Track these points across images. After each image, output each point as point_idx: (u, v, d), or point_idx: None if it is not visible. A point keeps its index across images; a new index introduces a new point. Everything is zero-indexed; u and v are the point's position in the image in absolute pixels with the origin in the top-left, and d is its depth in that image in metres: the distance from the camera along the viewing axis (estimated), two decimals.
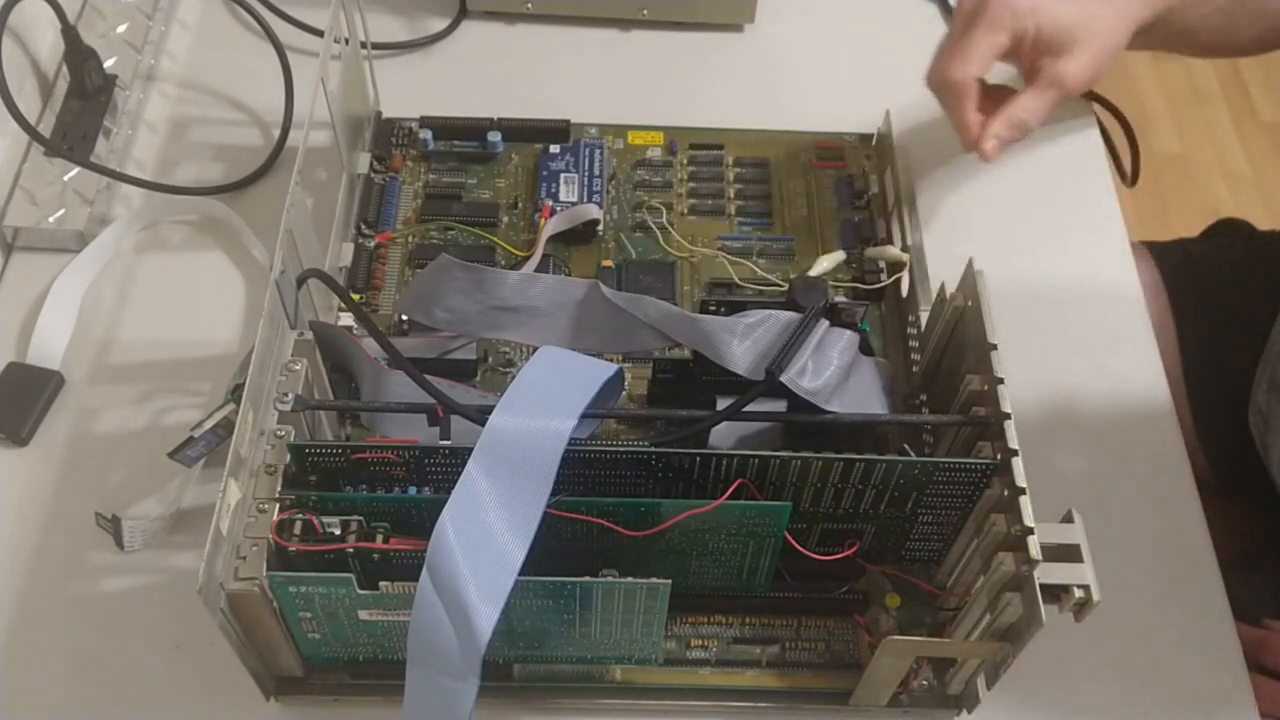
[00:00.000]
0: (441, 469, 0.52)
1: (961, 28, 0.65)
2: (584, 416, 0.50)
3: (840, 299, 0.59)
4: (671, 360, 0.62)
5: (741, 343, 0.54)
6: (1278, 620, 0.70)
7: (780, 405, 0.55)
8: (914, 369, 0.64)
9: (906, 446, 0.57)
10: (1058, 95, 0.65)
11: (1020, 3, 0.62)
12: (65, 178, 0.72)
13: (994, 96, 0.66)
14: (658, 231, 0.72)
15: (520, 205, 0.74)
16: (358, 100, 0.73)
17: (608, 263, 0.72)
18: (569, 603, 0.49)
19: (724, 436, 0.57)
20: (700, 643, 0.58)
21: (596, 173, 0.74)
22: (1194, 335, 0.84)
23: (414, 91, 0.78)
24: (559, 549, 0.51)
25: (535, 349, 0.54)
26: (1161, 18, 0.68)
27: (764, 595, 0.58)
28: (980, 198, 0.77)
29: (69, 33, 0.73)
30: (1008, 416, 0.51)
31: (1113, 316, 0.73)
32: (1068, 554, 0.49)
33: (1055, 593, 0.48)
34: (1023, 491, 0.49)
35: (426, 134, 0.75)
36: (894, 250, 0.69)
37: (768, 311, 0.56)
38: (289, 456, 0.52)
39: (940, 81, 0.66)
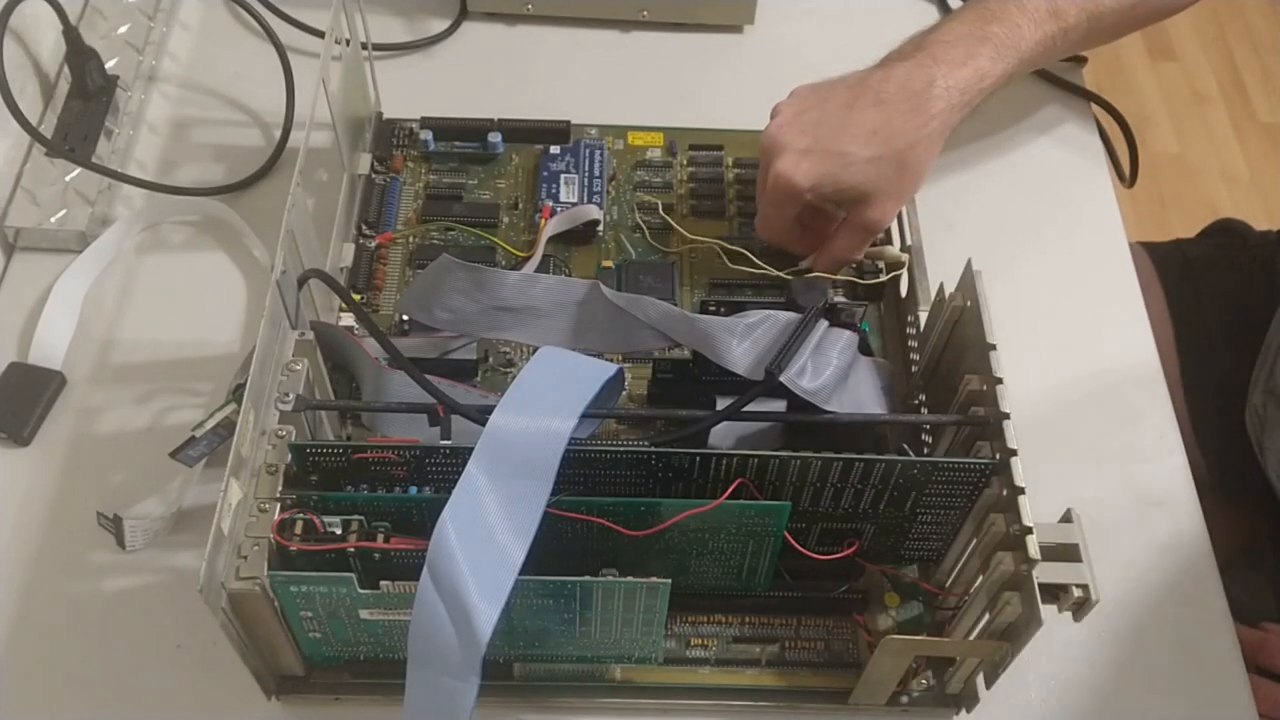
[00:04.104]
0: (442, 469, 0.52)
1: (759, 192, 0.67)
2: (584, 416, 0.50)
3: (839, 299, 0.60)
4: (671, 360, 0.62)
5: (741, 343, 0.55)
6: (1276, 623, 0.70)
7: (780, 405, 0.56)
8: (913, 369, 0.64)
9: (905, 446, 0.57)
10: (868, 235, 0.67)
11: (798, 183, 0.63)
12: (67, 178, 0.72)
13: (818, 220, 0.68)
14: (647, 230, 0.72)
15: (520, 206, 0.74)
16: (358, 101, 0.73)
17: (608, 263, 0.72)
18: (569, 602, 0.49)
19: (724, 436, 0.57)
20: (700, 642, 0.59)
21: (596, 173, 0.74)
22: (1191, 335, 0.84)
23: (415, 92, 0.78)
24: (559, 549, 0.51)
25: (535, 349, 0.54)
26: (992, 87, 0.67)
27: (764, 595, 0.58)
28: (979, 198, 0.77)
29: (70, 33, 0.73)
30: (1006, 416, 0.52)
31: (1111, 316, 0.73)
32: (1066, 553, 0.49)
33: (1054, 592, 0.49)
34: (1021, 491, 0.50)
35: (427, 135, 0.75)
36: (893, 250, 0.69)
37: (767, 312, 0.56)
38: (290, 456, 0.52)
39: (764, 238, 0.69)
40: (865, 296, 0.69)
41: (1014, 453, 0.51)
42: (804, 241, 0.68)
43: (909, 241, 0.69)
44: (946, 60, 0.65)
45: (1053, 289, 0.74)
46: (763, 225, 0.68)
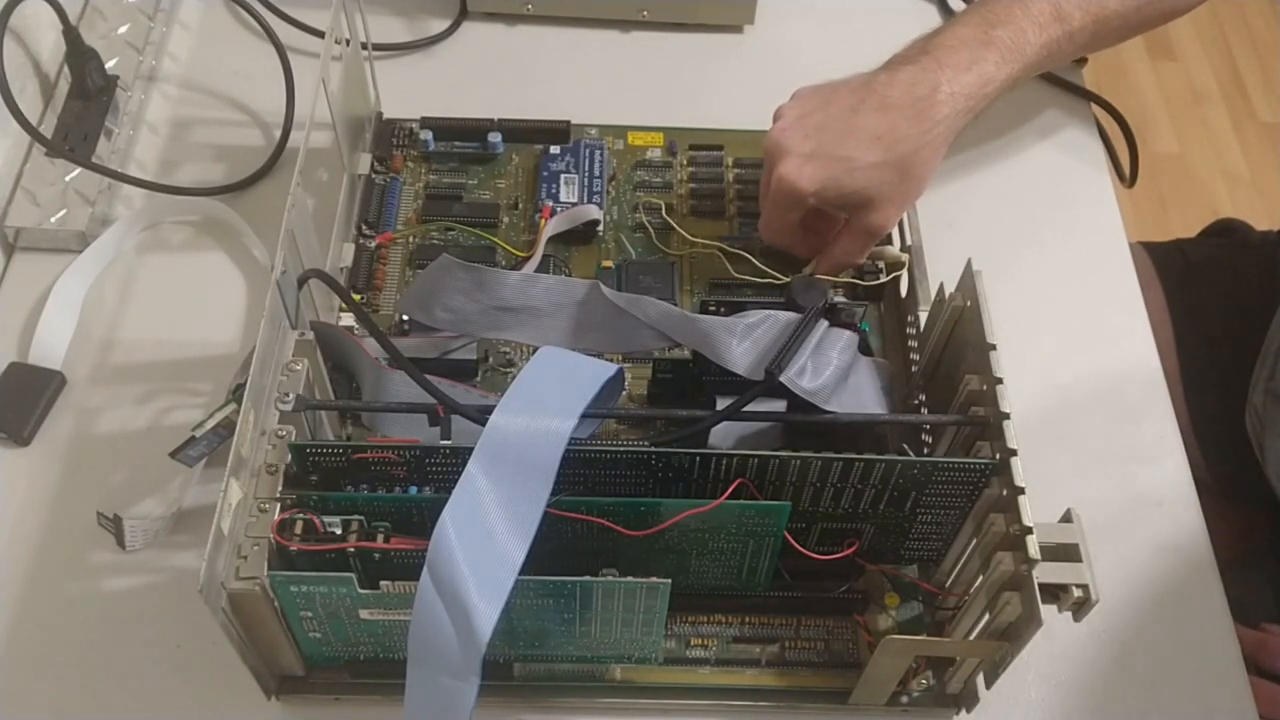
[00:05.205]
0: (442, 469, 0.52)
1: (762, 194, 0.67)
2: (584, 416, 0.50)
3: (839, 299, 0.60)
4: (671, 360, 0.62)
5: (741, 343, 0.55)
6: (1276, 623, 0.70)
7: (780, 405, 0.56)
8: (913, 369, 0.64)
9: (905, 446, 0.57)
10: (870, 240, 0.67)
11: (801, 187, 0.63)
12: (67, 178, 0.72)
13: (821, 222, 0.68)
14: (652, 230, 0.72)
15: (520, 206, 0.74)
16: (359, 101, 0.73)
17: (608, 263, 0.72)
18: (569, 602, 0.49)
19: (724, 436, 0.57)
20: (700, 642, 0.59)
21: (596, 173, 0.74)
22: (1191, 336, 0.85)
23: (415, 92, 0.78)
24: (559, 548, 0.51)
25: (535, 349, 0.54)
26: (997, 92, 0.67)
27: (764, 594, 0.58)
28: (979, 198, 0.77)
29: (70, 34, 0.73)
30: (1006, 416, 0.52)
31: (1111, 316, 0.73)
32: (1066, 553, 0.49)
33: (1054, 592, 0.49)
34: (1021, 491, 0.50)
35: (427, 135, 0.75)
36: (893, 251, 0.69)
37: (767, 312, 0.56)
38: (290, 456, 0.52)
39: (767, 240, 0.69)
40: (865, 296, 0.69)
41: (1014, 453, 0.51)
42: (806, 243, 0.68)
43: (909, 241, 0.69)
44: (951, 65, 0.65)
45: (1053, 289, 0.74)
46: (765, 228, 0.68)
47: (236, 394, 0.58)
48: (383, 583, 0.48)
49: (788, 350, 0.54)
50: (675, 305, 0.61)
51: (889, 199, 0.64)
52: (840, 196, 0.64)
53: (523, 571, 0.46)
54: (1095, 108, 0.84)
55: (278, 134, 0.77)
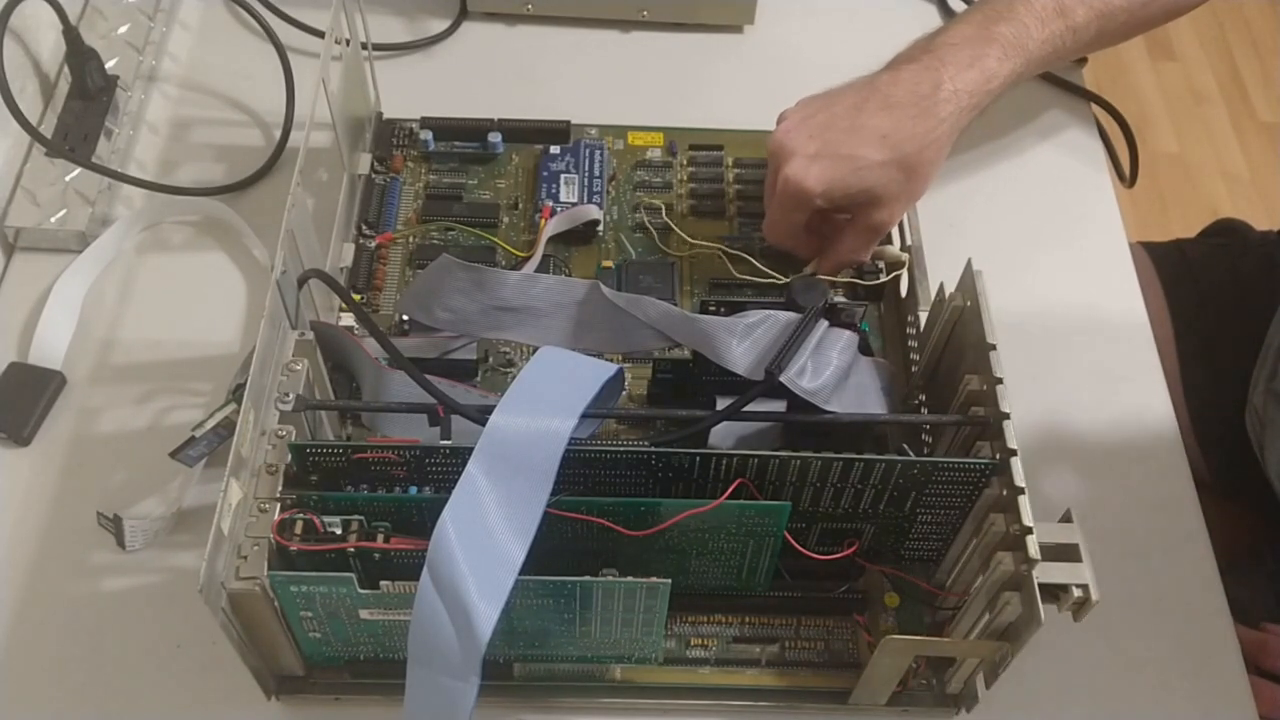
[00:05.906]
0: (442, 469, 0.52)
1: (768, 196, 0.67)
2: (584, 416, 0.50)
3: (839, 299, 0.60)
4: (671, 360, 0.62)
5: (741, 343, 0.55)
6: (1276, 623, 0.70)
7: (780, 405, 0.56)
8: (913, 369, 0.64)
9: (905, 446, 0.57)
10: (875, 237, 0.67)
11: (809, 187, 0.63)
12: (67, 178, 0.72)
13: (824, 222, 0.68)
14: (654, 231, 0.73)
15: (520, 206, 0.74)
16: (359, 101, 0.73)
17: (608, 263, 0.72)
18: (569, 602, 0.49)
19: (724, 436, 0.58)
20: (700, 642, 0.59)
21: (597, 173, 0.74)
22: (1191, 336, 0.84)
23: (415, 92, 0.78)
24: (559, 548, 0.51)
25: (535, 349, 0.54)
26: (1001, 88, 0.67)
27: (763, 594, 0.58)
28: (980, 198, 0.77)
29: (70, 33, 0.73)
30: (1006, 416, 0.52)
31: (1111, 317, 0.73)
32: (1066, 553, 0.49)
33: (1054, 592, 0.49)
34: (1022, 491, 0.50)
35: (427, 135, 0.75)
36: (893, 250, 0.69)
37: (767, 312, 0.56)
38: (290, 456, 0.52)
39: (772, 242, 0.69)
40: (865, 296, 0.69)
41: (1014, 453, 0.51)
42: (810, 245, 0.68)
43: (909, 241, 0.69)
44: (954, 62, 0.65)
45: (1053, 289, 0.74)
46: (771, 230, 0.68)
47: (236, 394, 0.58)
48: (383, 583, 0.48)
49: (788, 350, 0.54)
50: (675, 305, 0.61)
51: (895, 197, 0.64)
52: (847, 196, 0.64)
53: (523, 571, 0.46)
54: (1095, 108, 0.84)
55: (278, 134, 0.77)
